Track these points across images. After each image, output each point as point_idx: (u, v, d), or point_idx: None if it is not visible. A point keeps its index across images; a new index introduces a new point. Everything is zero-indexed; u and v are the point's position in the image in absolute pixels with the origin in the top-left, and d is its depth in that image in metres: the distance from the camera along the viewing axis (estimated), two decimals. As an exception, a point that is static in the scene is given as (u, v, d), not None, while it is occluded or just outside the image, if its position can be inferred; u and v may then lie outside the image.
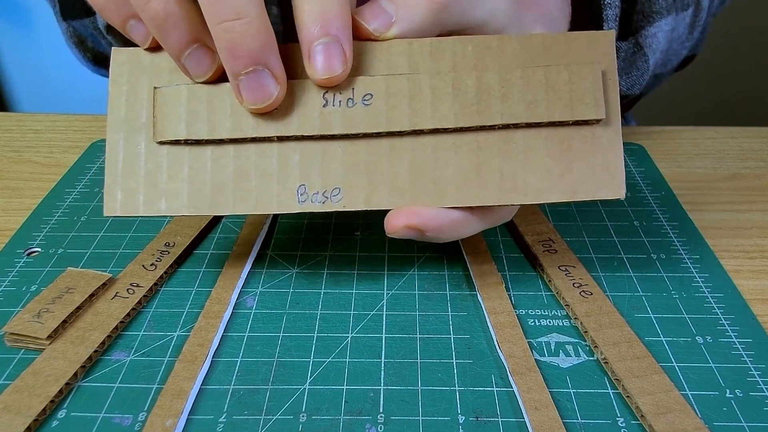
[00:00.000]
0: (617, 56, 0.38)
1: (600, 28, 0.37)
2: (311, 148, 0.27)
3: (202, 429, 0.24)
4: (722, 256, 0.33)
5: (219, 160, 0.27)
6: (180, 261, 0.32)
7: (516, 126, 0.26)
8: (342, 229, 0.35)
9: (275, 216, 0.36)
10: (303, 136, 0.26)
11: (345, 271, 0.32)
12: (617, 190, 0.27)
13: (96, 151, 0.42)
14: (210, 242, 0.34)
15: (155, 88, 0.27)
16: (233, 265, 0.32)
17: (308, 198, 0.27)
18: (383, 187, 0.27)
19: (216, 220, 0.35)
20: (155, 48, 0.27)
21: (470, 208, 0.27)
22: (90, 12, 0.45)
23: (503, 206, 0.27)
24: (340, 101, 0.26)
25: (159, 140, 0.27)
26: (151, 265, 0.31)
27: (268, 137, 0.26)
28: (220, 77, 0.26)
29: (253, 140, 0.27)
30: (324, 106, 0.26)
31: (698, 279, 0.31)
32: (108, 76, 0.28)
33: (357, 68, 0.26)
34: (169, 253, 0.32)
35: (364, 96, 0.26)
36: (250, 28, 0.24)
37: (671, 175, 0.40)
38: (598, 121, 0.26)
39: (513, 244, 0.34)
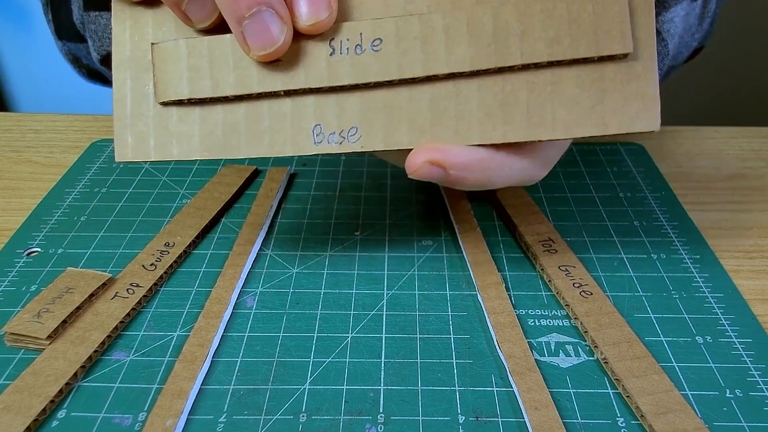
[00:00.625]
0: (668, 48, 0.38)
1: None
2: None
3: (202, 429, 0.24)
4: (722, 256, 0.33)
5: (230, 101, 0.26)
6: (180, 261, 0.32)
7: (537, 66, 0.25)
8: (342, 229, 0.35)
9: (275, 216, 0.36)
10: (311, 89, 0.25)
11: (345, 271, 0.32)
12: (652, 122, 0.25)
13: (96, 151, 0.42)
14: (210, 242, 0.34)
15: (152, 44, 0.25)
16: (233, 265, 0.32)
17: (324, 138, 0.25)
18: (402, 124, 0.25)
19: (216, 220, 0.35)
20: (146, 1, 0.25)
21: (498, 148, 0.25)
22: (82, 38, 0.45)
23: (536, 150, 0.26)
24: (347, 48, 0.25)
25: (162, 101, 0.25)
26: (151, 265, 0.31)
27: (275, 92, 0.25)
28: (219, 26, 0.25)
29: (259, 96, 0.25)
30: (331, 54, 0.25)
31: (698, 279, 0.31)
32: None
33: (356, 8, 0.25)
34: (169, 253, 0.32)
35: (373, 41, 0.25)
36: None
37: (671, 175, 0.40)
38: (625, 55, 0.25)
39: (513, 244, 0.34)
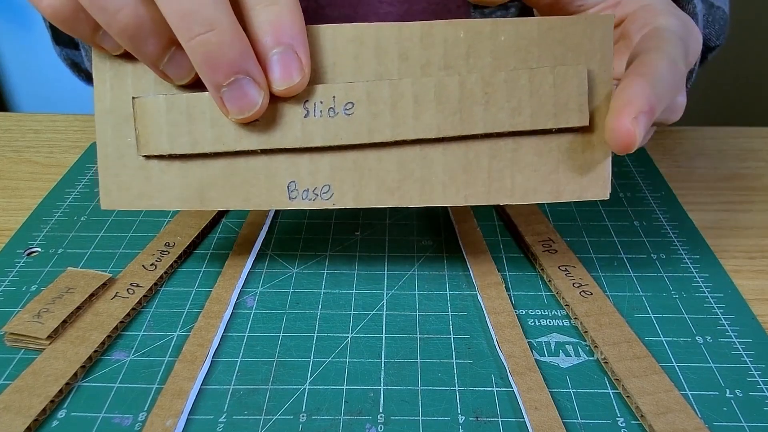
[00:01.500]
0: (698, 16, 0.38)
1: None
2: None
3: (202, 429, 0.24)
4: (722, 256, 0.33)
5: (209, 156, 0.26)
6: (180, 261, 0.32)
7: (499, 135, 0.26)
8: (342, 229, 0.35)
9: (275, 216, 0.36)
10: (286, 149, 0.26)
11: (345, 271, 0.32)
12: (602, 191, 0.26)
13: (96, 151, 0.42)
14: (210, 242, 0.34)
15: (134, 98, 0.26)
16: (233, 265, 0.32)
17: (299, 195, 0.27)
18: (372, 184, 0.26)
19: (216, 220, 0.35)
20: (125, 54, 0.26)
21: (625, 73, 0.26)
22: (78, 45, 0.45)
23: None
24: (320, 111, 0.26)
25: (143, 154, 0.26)
26: (151, 265, 0.31)
27: (252, 150, 0.26)
28: (198, 81, 0.25)
29: (236, 153, 0.26)
30: (305, 116, 0.26)
31: (698, 279, 0.31)
32: None
33: (347, 55, 0.26)
34: (169, 253, 0.32)
35: (346, 105, 0.26)
36: (225, 37, 0.23)
37: (671, 175, 0.40)
38: (581, 128, 0.26)
39: (513, 244, 0.34)
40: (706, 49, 0.42)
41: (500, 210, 0.36)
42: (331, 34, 0.26)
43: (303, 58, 0.24)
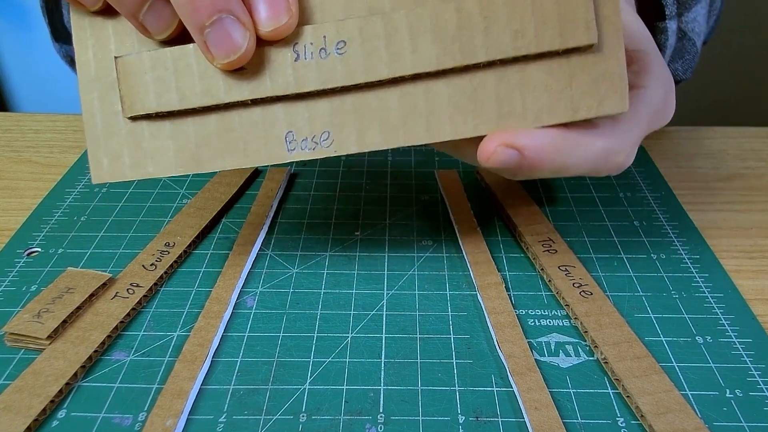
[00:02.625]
0: (668, 40, 0.38)
1: (662, 12, 0.37)
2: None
3: (202, 429, 0.24)
4: (722, 256, 0.33)
5: (200, 113, 0.25)
6: (180, 261, 0.32)
7: (503, 62, 0.25)
8: (342, 229, 0.35)
9: (275, 216, 0.36)
10: (278, 96, 0.25)
11: (345, 271, 0.32)
12: (621, 103, 0.25)
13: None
14: (210, 242, 0.34)
15: (116, 57, 0.25)
16: (233, 265, 0.32)
17: (297, 145, 0.25)
18: (374, 124, 0.25)
19: (216, 220, 0.35)
20: (105, 11, 0.25)
21: (569, 127, 0.25)
22: None
23: (613, 128, 0.25)
24: (312, 53, 0.24)
25: (129, 115, 0.25)
26: (151, 265, 0.31)
27: (242, 101, 0.25)
28: (179, 35, 0.24)
29: (228, 106, 0.25)
30: (296, 60, 0.24)
31: (698, 279, 0.31)
32: None
33: (318, 8, 0.25)
34: (169, 253, 0.32)
35: (337, 44, 0.24)
36: None
37: (671, 175, 0.40)
38: (591, 46, 0.24)
39: (513, 244, 0.34)
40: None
41: (500, 210, 0.36)
42: None
43: None
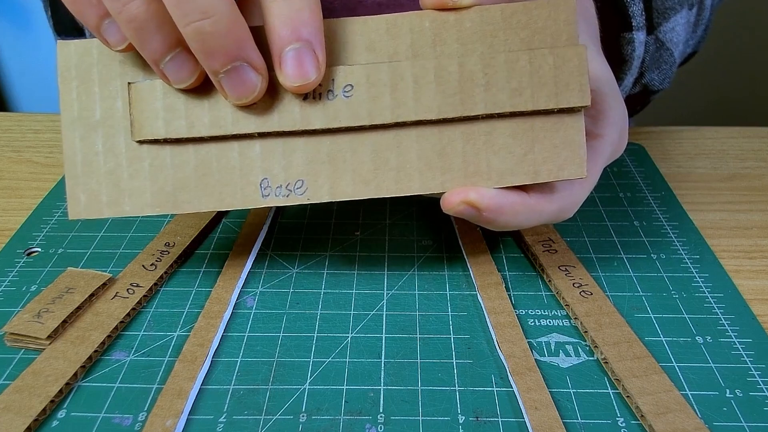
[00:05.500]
0: (646, 51, 0.38)
1: (629, 23, 0.37)
2: (273, 139, 0.26)
3: (202, 429, 0.24)
4: (722, 256, 0.33)
5: (179, 155, 0.26)
6: (180, 261, 0.32)
7: (501, 116, 0.26)
8: (342, 229, 0.35)
9: (275, 216, 0.36)
10: (284, 132, 0.26)
11: (345, 271, 0.32)
12: (579, 170, 0.26)
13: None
14: (210, 242, 0.34)
15: (129, 83, 0.26)
16: (233, 265, 0.32)
17: (272, 192, 0.26)
18: (347, 175, 0.26)
19: (216, 220, 0.35)
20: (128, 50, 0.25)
21: (530, 193, 0.26)
22: (81, 32, 0.45)
23: (566, 193, 0.27)
24: (320, 93, 0.26)
25: (138, 139, 0.26)
26: (151, 265, 0.31)
27: (249, 134, 0.26)
28: (197, 87, 0.25)
29: (234, 137, 0.26)
30: (304, 99, 0.26)
31: (698, 279, 0.31)
32: None
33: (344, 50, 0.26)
34: (169, 253, 0.32)
35: (345, 87, 0.26)
36: (220, 26, 0.23)
37: (671, 175, 0.40)
38: (581, 108, 0.26)
39: (513, 244, 0.34)
40: (649, 92, 0.42)
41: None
42: None
43: (320, 56, 0.24)
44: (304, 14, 0.24)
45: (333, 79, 0.26)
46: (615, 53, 0.38)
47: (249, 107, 0.26)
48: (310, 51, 0.24)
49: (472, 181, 0.26)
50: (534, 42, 0.26)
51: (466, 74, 0.26)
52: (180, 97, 0.26)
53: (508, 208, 0.26)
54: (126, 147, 0.26)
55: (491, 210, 0.26)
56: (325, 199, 0.26)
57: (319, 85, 0.25)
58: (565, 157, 0.26)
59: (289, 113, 0.26)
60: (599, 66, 0.30)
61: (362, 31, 0.26)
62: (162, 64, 0.24)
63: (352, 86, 0.26)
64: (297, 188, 0.26)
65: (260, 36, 0.25)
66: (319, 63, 0.24)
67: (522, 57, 0.25)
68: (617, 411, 0.25)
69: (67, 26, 0.45)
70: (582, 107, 0.26)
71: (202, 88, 0.26)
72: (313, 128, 0.26)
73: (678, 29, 0.39)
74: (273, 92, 0.26)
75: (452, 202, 0.26)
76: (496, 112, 0.26)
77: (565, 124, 0.26)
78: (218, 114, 0.26)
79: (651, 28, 0.39)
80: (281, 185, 0.26)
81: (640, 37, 0.38)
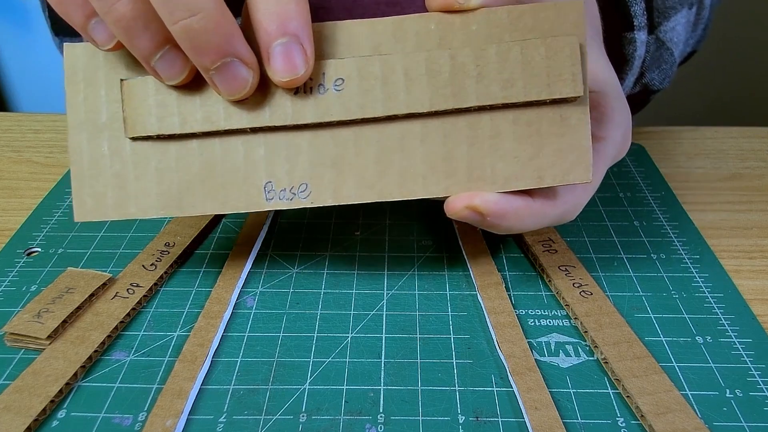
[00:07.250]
0: (647, 51, 0.38)
1: (630, 23, 0.37)
2: (277, 141, 0.26)
3: (202, 429, 0.24)
4: (722, 256, 0.33)
5: (185, 158, 0.26)
6: (180, 261, 0.32)
7: (491, 108, 0.26)
8: (342, 229, 0.35)
9: (275, 216, 0.36)
10: (275, 126, 0.26)
11: (345, 271, 0.32)
12: (585, 174, 0.26)
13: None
14: (210, 242, 0.34)
15: (122, 80, 0.26)
16: (233, 265, 0.32)
17: (276, 195, 0.26)
18: (350, 179, 0.26)
19: (216, 220, 0.35)
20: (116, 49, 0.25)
21: (534, 198, 0.26)
22: (78, 33, 0.45)
23: (569, 197, 0.27)
24: (311, 88, 0.25)
25: (131, 136, 0.26)
26: (151, 265, 0.31)
27: (241, 129, 0.26)
28: (190, 82, 0.25)
29: (225, 132, 0.26)
30: (295, 93, 0.26)
31: (698, 279, 0.31)
32: None
33: (321, 53, 0.26)
34: (169, 253, 0.32)
35: (336, 81, 0.25)
36: (208, 22, 0.22)
37: (671, 175, 0.40)
38: (575, 98, 0.26)
39: (513, 244, 0.34)
40: (649, 92, 0.42)
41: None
42: None
43: (308, 50, 0.24)
44: (290, 8, 0.24)
45: (324, 73, 0.25)
46: (616, 53, 0.38)
47: (241, 102, 0.26)
48: (297, 45, 0.24)
49: (476, 185, 0.26)
50: None
51: (458, 66, 0.25)
52: (172, 93, 0.26)
53: (513, 213, 0.26)
54: (132, 149, 0.26)
55: (495, 215, 0.26)
56: (329, 202, 0.26)
57: (310, 79, 0.25)
58: (571, 161, 0.26)
59: (281, 108, 0.26)
60: (603, 68, 0.30)
61: (369, 33, 0.26)
62: (153, 62, 0.24)
63: (343, 80, 0.25)
64: (301, 192, 0.26)
65: (251, 35, 0.25)
66: (307, 56, 0.24)
67: (514, 48, 0.25)
68: (617, 411, 0.25)
69: (64, 27, 0.45)
70: (575, 97, 0.25)
71: (194, 83, 0.25)
72: (305, 123, 0.26)
73: (678, 29, 0.39)
74: (264, 88, 0.25)
75: (456, 208, 0.26)
76: (488, 103, 0.25)
77: (571, 128, 0.26)
78: (210, 110, 0.26)
79: (651, 27, 0.39)
80: (285, 188, 0.26)
81: (641, 37, 0.38)
